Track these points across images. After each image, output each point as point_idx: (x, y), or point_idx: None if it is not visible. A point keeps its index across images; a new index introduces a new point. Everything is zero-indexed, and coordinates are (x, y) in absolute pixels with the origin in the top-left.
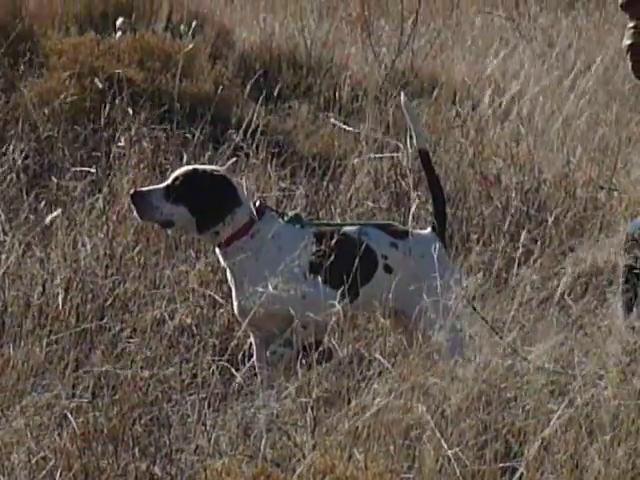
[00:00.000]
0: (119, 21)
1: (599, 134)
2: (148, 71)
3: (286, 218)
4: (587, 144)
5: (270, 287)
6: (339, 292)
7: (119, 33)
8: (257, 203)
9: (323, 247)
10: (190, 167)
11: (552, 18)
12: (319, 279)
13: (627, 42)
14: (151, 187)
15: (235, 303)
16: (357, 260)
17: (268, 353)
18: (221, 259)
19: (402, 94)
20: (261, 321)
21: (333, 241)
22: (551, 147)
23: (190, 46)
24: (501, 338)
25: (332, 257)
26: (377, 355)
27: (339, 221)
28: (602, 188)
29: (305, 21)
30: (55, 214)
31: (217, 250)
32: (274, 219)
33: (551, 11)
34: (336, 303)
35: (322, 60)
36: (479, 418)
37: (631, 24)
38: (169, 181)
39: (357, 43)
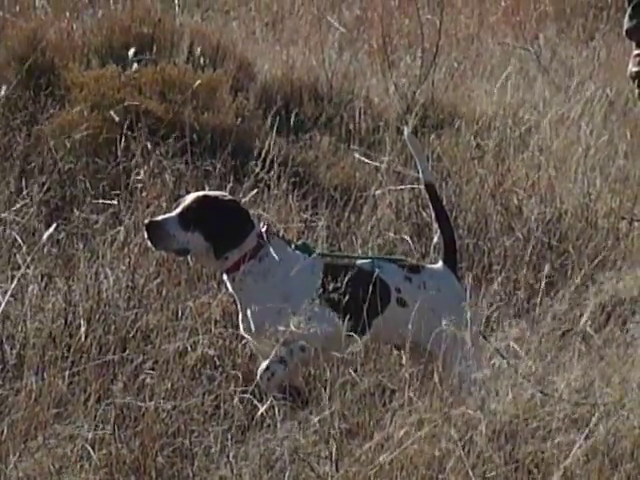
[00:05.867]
0: (130, 52)
1: (619, 164)
2: (169, 103)
3: (293, 245)
4: (607, 174)
5: (277, 309)
6: (346, 322)
7: (134, 65)
8: (264, 228)
9: (335, 278)
10: (200, 194)
11: (571, 49)
12: (328, 308)
13: (633, 69)
14: (164, 216)
15: (241, 324)
16: (370, 292)
17: (259, 370)
18: (228, 284)
19: (405, 128)
20: (267, 342)
21: (345, 273)
22: (571, 177)
23: (198, 82)
24: (517, 372)
25: (344, 288)
26: (403, 389)
27: (360, 252)
28: (623, 218)
29: (326, 53)
30: (50, 230)
31: (224, 276)
32: (282, 244)
33: (571, 42)
34: (357, 337)
35: (343, 92)
36: (504, 449)
37: (636, 51)
38: (180, 209)
39: (378, 75)
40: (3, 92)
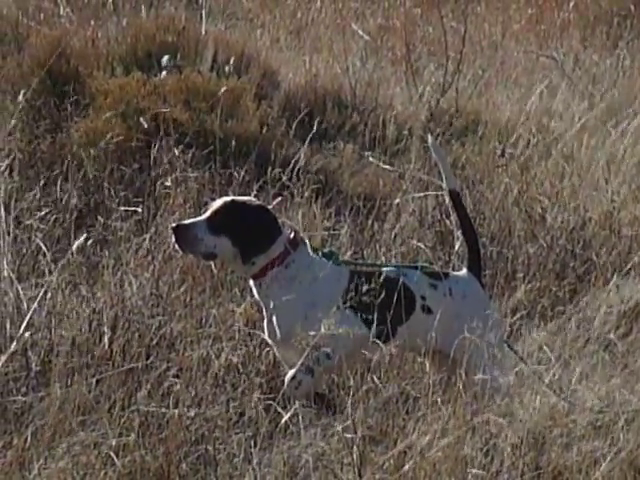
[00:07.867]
0: (164, 59)
1: None
2: (194, 111)
3: (321, 253)
4: (632, 183)
5: (303, 315)
6: (373, 329)
7: (164, 72)
8: (292, 235)
9: (361, 285)
10: (228, 198)
11: (595, 57)
12: (353, 315)
13: None
14: (192, 220)
15: (266, 330)
16: (395, 300)
17: (286, 378)
18: (254, 290)
19: (429, 136)
20: (293, 349)
21: (371, 280)
22: (595, 186)
23: (222, 90)
24: (541, 380)
25: (370, 296)
26: (427, 396)
27: (384, 260)
28: None
29: (350, 61)
30: (81, 240)
31: (251, 281)
32: (309, 251)
33: (595, 50)
34: (380, 343)
35: (367, 100)
36: (528, 457)
37: None
38: (209, 213)
39: (401, 83)
40: (21, 97)
